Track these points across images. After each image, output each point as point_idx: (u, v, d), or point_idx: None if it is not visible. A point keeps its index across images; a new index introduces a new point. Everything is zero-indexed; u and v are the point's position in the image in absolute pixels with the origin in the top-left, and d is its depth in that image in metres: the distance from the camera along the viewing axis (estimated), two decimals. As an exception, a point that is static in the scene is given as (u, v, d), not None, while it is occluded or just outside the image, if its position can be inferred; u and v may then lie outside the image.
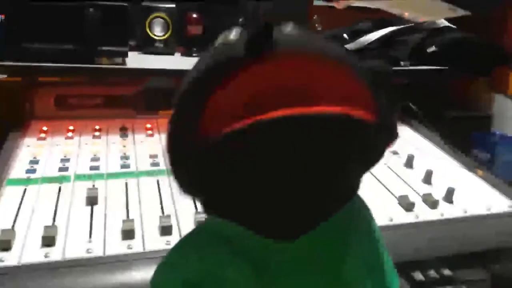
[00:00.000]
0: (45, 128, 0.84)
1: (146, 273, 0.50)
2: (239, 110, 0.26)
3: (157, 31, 1.08)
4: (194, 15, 1.08)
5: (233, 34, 0.29)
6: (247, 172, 0.28)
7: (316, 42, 0.29)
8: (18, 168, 0.70)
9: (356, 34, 1.18)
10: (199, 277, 0.32)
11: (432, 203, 0.68)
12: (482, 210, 0.69)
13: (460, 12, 1.12)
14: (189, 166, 0.29)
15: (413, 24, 1.16)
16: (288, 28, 0.29)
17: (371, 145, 0.31)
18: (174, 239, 0.56)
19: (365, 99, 0.29)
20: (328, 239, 0.33)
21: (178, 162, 0.30)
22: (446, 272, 0.58)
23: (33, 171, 0.70)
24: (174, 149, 0.30)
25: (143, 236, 0.56)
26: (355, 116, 0.27)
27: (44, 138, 0.81)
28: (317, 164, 0.28)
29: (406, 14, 1.18)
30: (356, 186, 0.32)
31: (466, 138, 1.14)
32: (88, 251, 0.53)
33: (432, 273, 0.58)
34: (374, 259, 0.35)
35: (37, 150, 0.77)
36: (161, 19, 1.07)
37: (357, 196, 0.35)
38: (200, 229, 0.36)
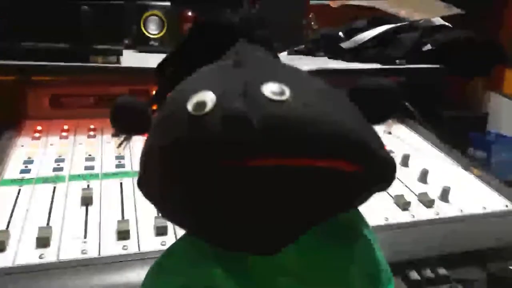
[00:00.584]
0: (39, 128, 0.83)
1: (141, 274, 0.49)
2: None
3: (152, 29, 1.08)
4: (190, 13, 1.08)
5: (210, 101, 0.27)
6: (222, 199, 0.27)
7: (301, 101, 0.27)
8: (12, 168, 0.70)
9: (351, 33, 1.18)
10: (192, 284, 0.32)
11: (428, 202, 0.68)
12: (478, 209, 0.69)
13: (455, 10, 1.12)
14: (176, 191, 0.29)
15: (408, 23, 1.16)
16: (269, 94, 0.27)
17: (356, 193, 0.30)
18: (169, 239, 0.56)
19: (353, 150, 0.28)
20: (321, 247, 0.33)
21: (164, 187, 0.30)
22: (442, 271, 0.58)
23: (27, 171, 0.69)
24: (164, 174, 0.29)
25: (138, 236, 0.56)
26: (339, 169, 0.27)
27: (38, 138, 0.80)
28: (297, 205, 0.28)
29: (402, 12, 1.18)
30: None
31: (462, 137, 1.15)
32: (83, 252, 0.53)
33: (428, 272, 0.57)
34: (369, 268, 0.35)
35: (32, 150, 0.76)
36: (156, 17, 1.07)
37: None
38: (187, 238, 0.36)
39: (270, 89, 0.27)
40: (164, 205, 0.32)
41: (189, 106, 0.27)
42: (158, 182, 0.30)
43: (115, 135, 0.40)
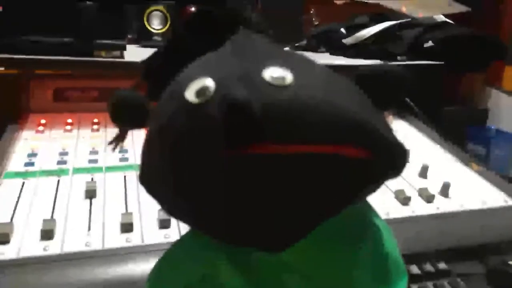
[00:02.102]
0: (43, 121, 0.84)
1: (144, 266, 0.50)
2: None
3: (155, 25, 1.08)
4: (193, 9, 1.08)
5: (209, 88, 0.26)
6: (231, 192, 0.26)
7: (308, 87, 0.26)
8: (16, 161, 0.70)
9: (353, 29, 1.19)
10: (198, 281, 0.31)
11: (428, 197, 0.69)
12: (477, 204, 0.70)
13: (459, 8, 1.12)
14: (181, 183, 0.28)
15: (410, 19, 1.17)
16: (273, 76, 0.26)
17: (366, 181, 0.29)
18: (172, 232, 0.56)
19: (360, 135, 0.27)
20: (328, 242, 0.32)
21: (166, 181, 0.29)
22: (442, 265, 0.58)
23: (31, 164, 0.70)
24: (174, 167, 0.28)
25: (141, 229, 0.57)
26: (346, 156, 0.26)
27: (42, 131, 0.81)
28: (303, 196, 0.27)
29: (404, 9, 1.18)
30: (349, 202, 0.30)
31: (461, 132, 1.15)
32: (87, 244, 0.53)
33: (428, 266, 0.58)
34: (377, 264, 0.33)
35: (35, 143, 0.76)
36: (159, 12, 1.07)
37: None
38: (195, 232, 0.35)
39: (271, 74, 0.26)
40: (166, 200, 0.31)
41: (188, 95, 0.27)
42: (159, 175, 0.29)
43: (116, 139, 0.39)
